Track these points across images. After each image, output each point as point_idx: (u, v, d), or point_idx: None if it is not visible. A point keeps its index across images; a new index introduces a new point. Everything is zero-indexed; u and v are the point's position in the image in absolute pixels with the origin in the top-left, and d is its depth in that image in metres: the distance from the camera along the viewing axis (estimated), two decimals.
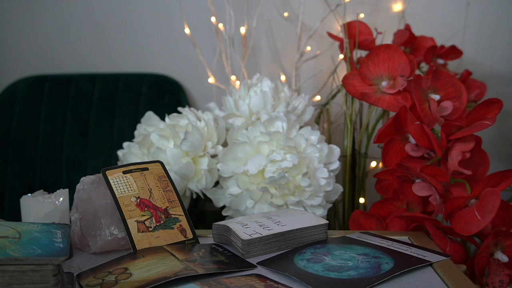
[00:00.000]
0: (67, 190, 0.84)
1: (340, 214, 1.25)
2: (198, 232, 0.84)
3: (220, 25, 1.28)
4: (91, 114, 1.39)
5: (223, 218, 1.01)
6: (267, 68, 1.41)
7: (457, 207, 0.82)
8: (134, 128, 1.13)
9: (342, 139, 1.20)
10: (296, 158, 0.94)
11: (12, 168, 1.38)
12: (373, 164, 1.22)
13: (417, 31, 1.22)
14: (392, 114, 1.13)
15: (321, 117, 1.26)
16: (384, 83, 0.97)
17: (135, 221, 0.77)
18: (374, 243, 0.78)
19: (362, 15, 1.27)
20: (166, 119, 1.07)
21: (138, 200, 0.79)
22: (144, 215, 0.78)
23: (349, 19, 1.24)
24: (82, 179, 0.83)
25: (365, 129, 1.16)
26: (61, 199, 0.81)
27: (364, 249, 0.74)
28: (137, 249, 0.75)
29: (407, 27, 1.22)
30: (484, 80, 1.25)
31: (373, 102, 0.96)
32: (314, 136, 1.00)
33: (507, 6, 1.32)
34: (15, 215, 1.29)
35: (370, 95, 0.97)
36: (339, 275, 0.65)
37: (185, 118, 1.07)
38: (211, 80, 1.32)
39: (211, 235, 0.82)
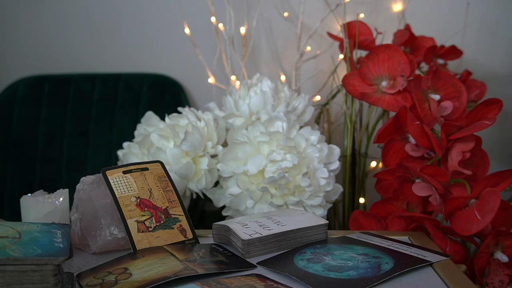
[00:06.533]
0: (67, 190, 0.84)
1: (340, 214, 1.25)
2: (198, 232, 0.84)
3: (220, 25, 1.28)
4: (91, 114, 1.39)
5: (223, 218, 1.01)
6: (267, 68, 1.41)
7: (457, 207, 0.82)
8: (134, 128, 1.13)
9: (342, 139, 1.20)
10: (296, 158, 0.94)
11: (12, 168, 1.38)
12: (373, 164, 1.22)
13: (417, 31, 1.22)
14: (392, 114, 1.13)
15: (321, 117, 1.26)
16: (384, 83, 0.97)
17: (135, 221, 0.77)
18: (374, 243, 0.78)
19: (362, 15, 1.27)
20: (166, 119, 1.07)
21: (138, 200, 0.79)
22: (144, 215, 0.78)
23: (349, 19, 1.24)
24: (82, 179, 0.83)
25: (365, 129, 1.16)
26: (61, 199, 0.81)
27: (364, 249, 0.74)
28: (137, 249, 0.75)
29: (407, 27, 1.22)
30: (484, 80, 1.25)
31: (373, 102, 0.96)
32: (314, 136, 1.00)
33: (507, 6, 1.32)
34: (15, 215, 1.29)
35: (370, 95, 0.97)
36: (339, 275, 0.65)
37: (185, 118, 1.07)
38: (211, 80, 1.32)
39: (211, 235, 0.82)
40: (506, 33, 1.33)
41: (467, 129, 0.86)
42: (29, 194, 0.82)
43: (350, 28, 1.17)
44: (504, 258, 0.80)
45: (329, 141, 1.25)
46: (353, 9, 1.30)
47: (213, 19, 1.28)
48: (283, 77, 1.36)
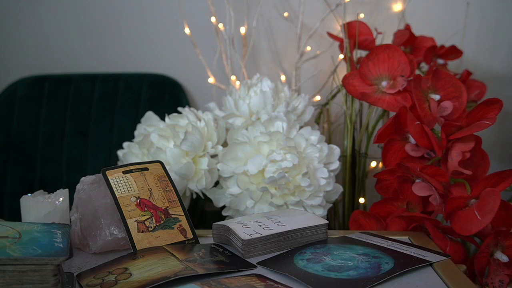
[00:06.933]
0: (67, 190, 0.84)
1: (340, 214, 1.25)
2: (198, 232, 0.84)
3: (220, 25, 1.28)
4: (91, 114, 1.39)
5: (223, 218, 1.01)
6: (267, 68, 1.41)
7: (457, 207, 0.82)
8: (134, 128, 1.13)
9: (342, 139, 1.20)
10: (296, 158, 0.94)
11: (12, 168, 1.38)
12: (373, 164, 1.22)
13: (417, 31, 1.22)
14: (392, 114, 1.13)
15: (321, 117, 1.26)
16: (384, 83, 0.97)
17: (135, 221, 0.77)
18: (374, 243, 0.78)
19: (362, 15, 1.27)
20: (166, 119, 1.07)
21: (138, 200, 0.79)
22: (144, 215, 0.78)
23: (349, 19, 1.24)
24: (82, 179, 0.83)
25: (365, 129, 1.16)
26: (61, 199, 0.81)
27: (364, 249, 0.74)
28: (137, 249, 0.75)
29: (407, 27, 1.22)
30: (484, 80, 1.25)
31: (373, 102, 0.96)
32: (314, 136, 1.00)
33: (507, 6, 1.32)
34: (15, 215, 1.29)
35: (370, 95, 0.97)
36: (339, 275, 0.65)
37: (185, 118, 1.07)
38: (211, 80, 1.32)
39: (211, 235, 0.82)
40: (506, 33, 1.33)
41: (467, 129, 0.86)
42: (29, 194, 0.82)
43: (350, 28, 1.17)
44: (504, 258, 0.80)
45: (329, 141, 1.25)
46: (353, 9, 1.30)
47: (213, 19, 1.28)
48: (283, 77, 1.36)
